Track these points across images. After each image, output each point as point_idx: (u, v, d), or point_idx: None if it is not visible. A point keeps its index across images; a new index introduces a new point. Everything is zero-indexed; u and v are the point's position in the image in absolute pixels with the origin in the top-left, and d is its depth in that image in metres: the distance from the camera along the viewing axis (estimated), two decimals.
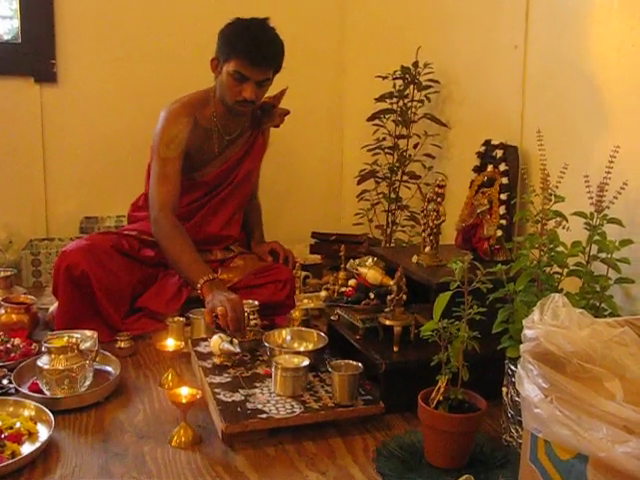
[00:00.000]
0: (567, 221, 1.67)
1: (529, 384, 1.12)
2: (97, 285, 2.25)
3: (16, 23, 3.11)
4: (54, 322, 2.27)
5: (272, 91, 2.54)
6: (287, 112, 2.68)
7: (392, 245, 2.74)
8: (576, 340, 1.09)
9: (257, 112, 2.62)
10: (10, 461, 1.49)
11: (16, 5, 3.06)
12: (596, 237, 1.64)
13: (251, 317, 2.22)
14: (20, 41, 3.07)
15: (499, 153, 2.15)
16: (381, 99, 2.67)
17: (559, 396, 1.06)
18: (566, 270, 1.66)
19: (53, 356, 1.82)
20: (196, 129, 2.47)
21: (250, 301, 2.25)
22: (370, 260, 2.15)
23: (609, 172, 1.64)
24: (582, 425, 1.00)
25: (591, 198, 1.66)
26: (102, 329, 2.21)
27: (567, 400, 1.04)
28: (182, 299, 2.37)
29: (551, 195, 1.66)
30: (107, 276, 2.30)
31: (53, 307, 2.35)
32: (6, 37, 3.16)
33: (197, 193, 2.57)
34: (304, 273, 2.73)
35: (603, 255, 1.64)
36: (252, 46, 2.31)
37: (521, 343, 1.54)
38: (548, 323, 1.15)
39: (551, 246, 1.64)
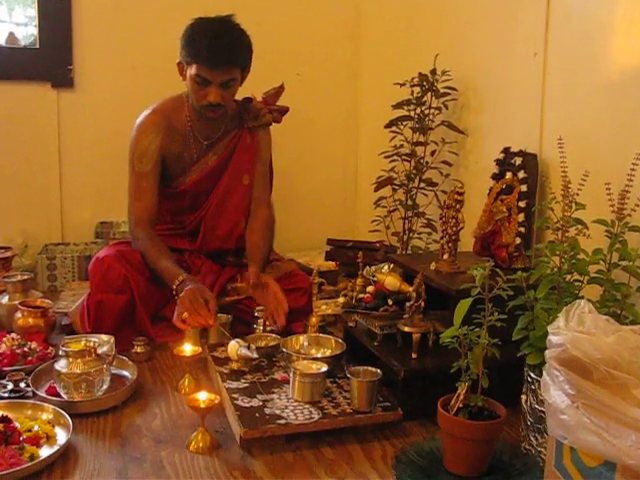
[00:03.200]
0: (588, 229, 1.66)
1: (555, 390, 1.11)
2: (136, 290, 2.27)
3: (31, 30, 3.14)
4: (78, 324, 2.26)
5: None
6: (286, 109, 2.59)
7: (409, 252, 2.74)
8: (602, 347, 1.08)
9: (242, 111, 2.52)
10: (30, 463, 1.49)
11: (31, 12, 3.09)
12: (617, 245, 1.63)
13: (267, 323, 2.22)
14: (38, 46, 3.09)
15: (518, 160, 2.15)
16: (398, 106, 2.67)
17: (586, 403, 1.05)
18: (587, 278, 1.65)
19: (71, 360, 1.82)
20: (172, 135, 2.42)
21: None
22: (386, 267, 2.15)
23: (631, 180, 1.63)
24: (610, 432, 0.99)
25: (612, 206, 1.64)
26: (131, 336, 2.22)
27: (594, 407, 1.03)
28: None
29: (572, 202, 1.65)
30: (144, 282, 2.31)
31: (74, 307, 2.34)
32: (22, 43, 3.18)
33: (181, 202, 2.52)
34: (319, 280, 2.72)
35: (624, 263, 1.63)
36: (210, 48, 2.23)
37: (541, 350, 1.54)
38: (574, 329, 1.14)
39: (572, 254, 1.63)
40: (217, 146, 2.49)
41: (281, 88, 2.58)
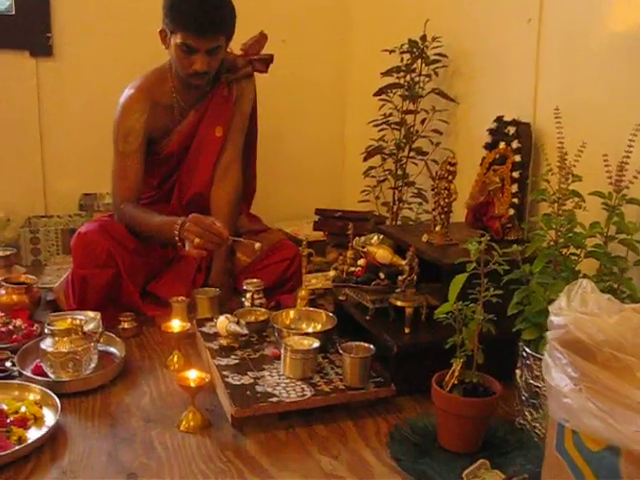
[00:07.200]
0: (584, 201, 1.63)
1: (557, 373, 1.08)
2: (122, 264, 2.21)
3: None
4: (62, 300, 2.22)
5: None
6: (269, 58, 2.51)
7: (398, 223, 2.70)
8: (606, 328, 1.06)
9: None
10: (18, 447, 1.46)
11: None
12: (615, 218, 1.60)
13: (256, 297, 2.19)
14: (14, 13, 2.99)
15: (511, 130, 2.10)
16: (388, 73, 2.61)
17: (590, 386, 1.02)
18: (583, 252, 1.62)
19: (57, 338, 1.79)
20: (156, 110, 2.37)
21: (255, 280, 2.21)
22: (375, 238, 2.11)
23: (629, 151, 1.60)
24: (615, 417, 0.97)
25: (610, 178, 1.61)
26: (117, 312, 2.17)
27: (598, 390, 1.01)
28: (197, 287, 2.31)
29: (568, 174, 1.62)
30: (129, 255, 2.25)
31: (59, 283, 2.29)
32: None
33: (167, 166, 2.48)
34: (308, 250, 2.68)
35: (622, 236, 1.60)
36: (196, 15, 2.16)
37: (537, 325, 1.52)
38: (576, 310, 1.11)
39: (569, 227, 1.60)
40: (197, 104, 2.44)
41: (262, 36, 2.51)
